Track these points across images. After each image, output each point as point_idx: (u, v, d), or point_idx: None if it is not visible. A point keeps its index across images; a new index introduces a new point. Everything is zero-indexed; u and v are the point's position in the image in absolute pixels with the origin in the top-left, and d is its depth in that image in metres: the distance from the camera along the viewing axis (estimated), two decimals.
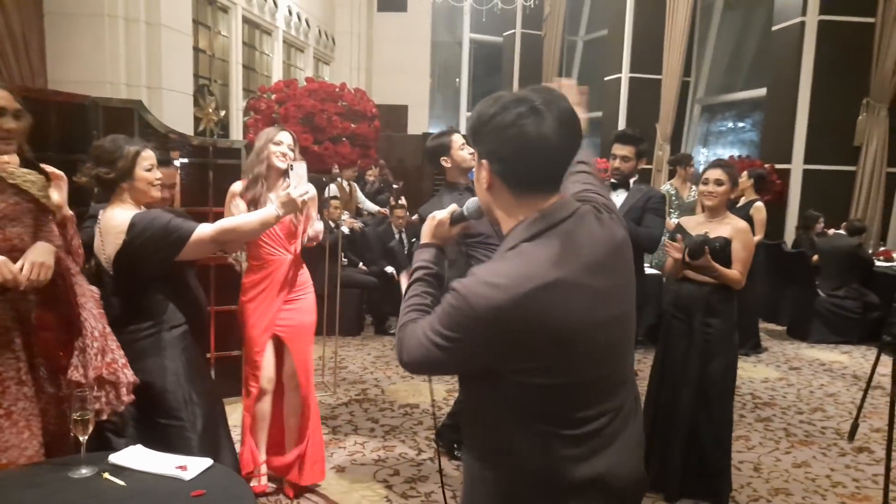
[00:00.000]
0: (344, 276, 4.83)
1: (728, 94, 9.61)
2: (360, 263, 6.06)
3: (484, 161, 1.16)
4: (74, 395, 1.61)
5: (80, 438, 1.63)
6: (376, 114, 4.02)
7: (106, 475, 1.61)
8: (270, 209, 2.14)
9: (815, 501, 3.01)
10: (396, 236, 6.28)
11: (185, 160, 3.66)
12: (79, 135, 3.45)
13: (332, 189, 6.14)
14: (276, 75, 11.03)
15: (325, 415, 3.83)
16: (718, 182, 2.87)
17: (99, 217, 2.07)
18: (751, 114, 9.52)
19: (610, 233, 1.19)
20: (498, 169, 1.15)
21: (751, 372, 5.01)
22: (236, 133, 9.76)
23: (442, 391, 4.32)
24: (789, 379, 4.92)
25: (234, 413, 3.23)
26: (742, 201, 5.34)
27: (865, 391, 2.71)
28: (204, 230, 2.03)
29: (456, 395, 3.82)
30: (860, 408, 2.74)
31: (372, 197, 7.76)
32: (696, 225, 2.96)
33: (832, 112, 7.11)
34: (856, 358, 5.60)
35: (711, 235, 2.82)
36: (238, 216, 2.24)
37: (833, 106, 7.07)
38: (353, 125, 3.82)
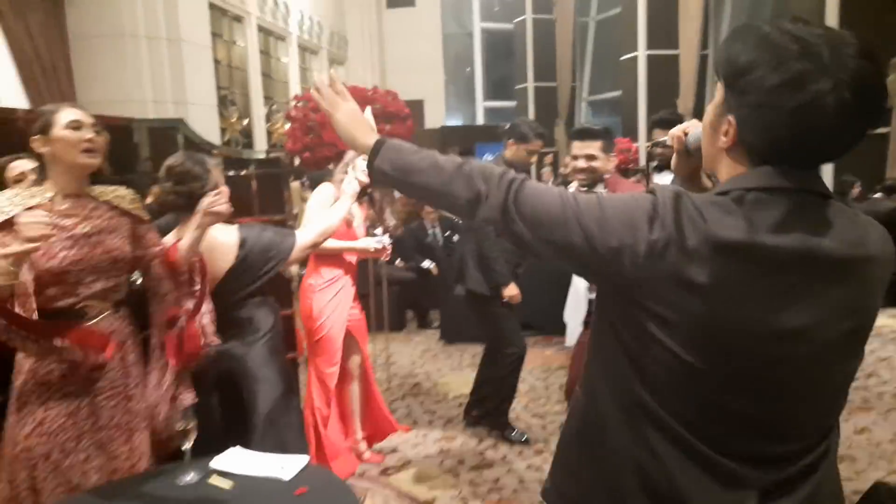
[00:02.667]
0: (384, 274, 4.91)
1: None
2: (398, 261, 6.13)
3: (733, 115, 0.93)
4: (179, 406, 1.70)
5: (184, 447, 1.71)
6: (409, 113, 4.08)
7: (212, 479, 1.70)
8: (343, 203, 2.28)
9: (880, 465, 3.02)
10: (430, 231, 6.34)
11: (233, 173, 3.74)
12: (126, 156, 3.55)
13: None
14: (293, 80, 11.16)
15: None
16: None
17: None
18: None
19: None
20: (744, 133, 0.93)
21: None
22: (260, 140, 9.92)
23: None
24: None
25: None
26: None
27: None
28: (306, 237, 2.18)
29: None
30: None
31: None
32: None
33: None
34: None
35: None
36: (322, 218, 2.37)
37: None
38: (387, 126, 3.88)
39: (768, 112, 0.87)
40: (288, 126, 3.90)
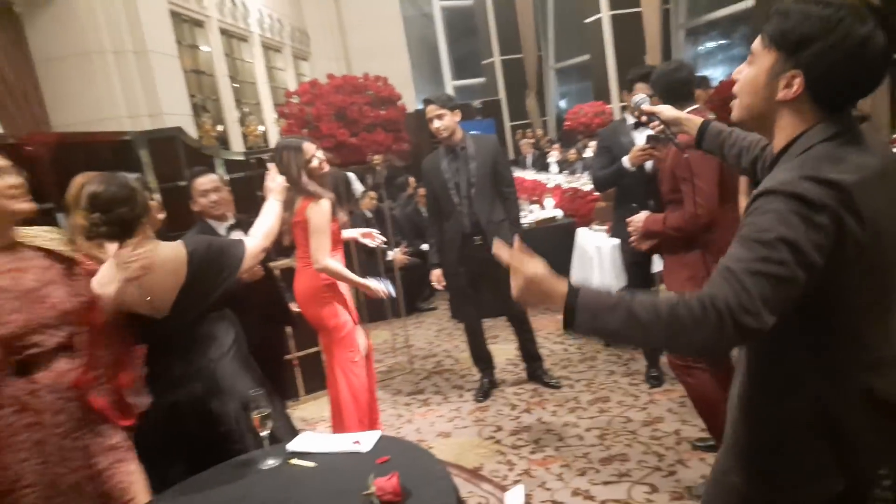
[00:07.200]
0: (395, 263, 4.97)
1: (710, 14, 9.59)
2: (398, 249, 6.17)
3: (799, 71, 1.08)
4: (252, 394, 1.75)
5: (262, 433, 1.77)
6: (400, 96, 4.12)
7: (293, 461, 1.77)
8: (272, 202, 2.29)
9: None
10: (425, 214, 6.38)
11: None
12: (130, 170, 3.54)
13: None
14: (261, 80, 11.05)
15: (411, 391, 4.00)
16: None
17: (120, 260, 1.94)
18: (737, 28, 9.52)
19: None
20: (817, 84, 1.08)
21: None
22: (237, 145, 9.83)
23: (513, 350, 4.47)
24: None
25: (315, 405, 3.29)
26: None
27: None
28: (255, 243, 2.11)
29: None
30: None
31: (388, 183, 7.79)
32: None
33: None
34: None
35: None
36: (262, 220, 2.27)
37: None
38: (382, 111, 3.92)
39: (851, 62, 1.04)
40: (283, 124, 3.91)
